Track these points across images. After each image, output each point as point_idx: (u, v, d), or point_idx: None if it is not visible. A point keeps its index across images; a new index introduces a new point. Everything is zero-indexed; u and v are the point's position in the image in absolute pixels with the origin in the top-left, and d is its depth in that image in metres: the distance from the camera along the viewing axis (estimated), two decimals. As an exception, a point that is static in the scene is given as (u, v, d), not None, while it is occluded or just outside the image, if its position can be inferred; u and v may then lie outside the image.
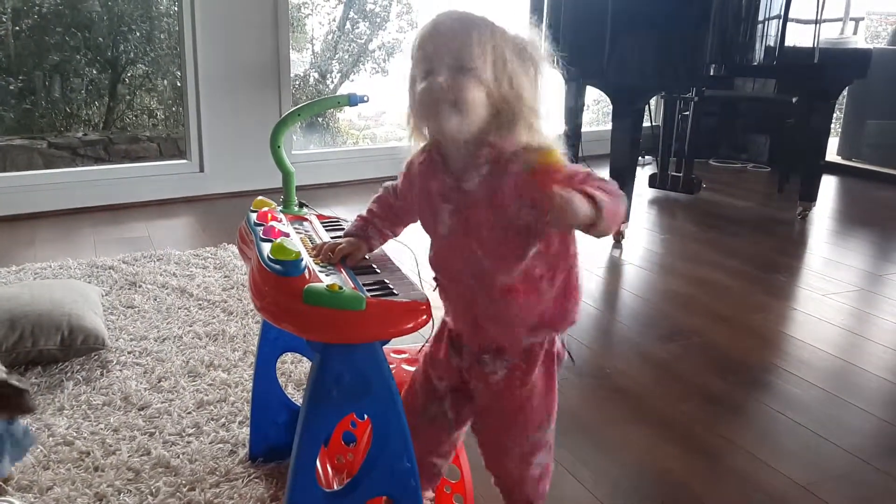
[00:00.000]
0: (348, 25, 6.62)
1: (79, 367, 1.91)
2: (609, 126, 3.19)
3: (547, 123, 1.02)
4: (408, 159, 1.11)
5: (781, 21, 3.00)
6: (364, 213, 1.18)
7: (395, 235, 1.19)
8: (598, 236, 0.93)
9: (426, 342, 1.20)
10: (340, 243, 1.13)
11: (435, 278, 1.13)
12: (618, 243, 3.13)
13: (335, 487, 1.32)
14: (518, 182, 0.97)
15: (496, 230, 1.01)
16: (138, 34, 5.21)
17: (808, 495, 1.49)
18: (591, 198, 0.89)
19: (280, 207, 1.39)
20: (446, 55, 0.97)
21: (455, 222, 1.04)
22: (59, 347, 1.90)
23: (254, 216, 1.26)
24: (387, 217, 1.17)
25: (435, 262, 1.11)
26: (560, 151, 0.98)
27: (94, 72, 5.20)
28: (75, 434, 1.61)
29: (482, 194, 1.00)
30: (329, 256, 1.11)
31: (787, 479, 1.54)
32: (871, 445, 1.71)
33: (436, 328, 1.15)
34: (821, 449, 1.67)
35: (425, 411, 1.18)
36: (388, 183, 1.17)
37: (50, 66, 4.85)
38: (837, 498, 1.49)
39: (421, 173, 1.08)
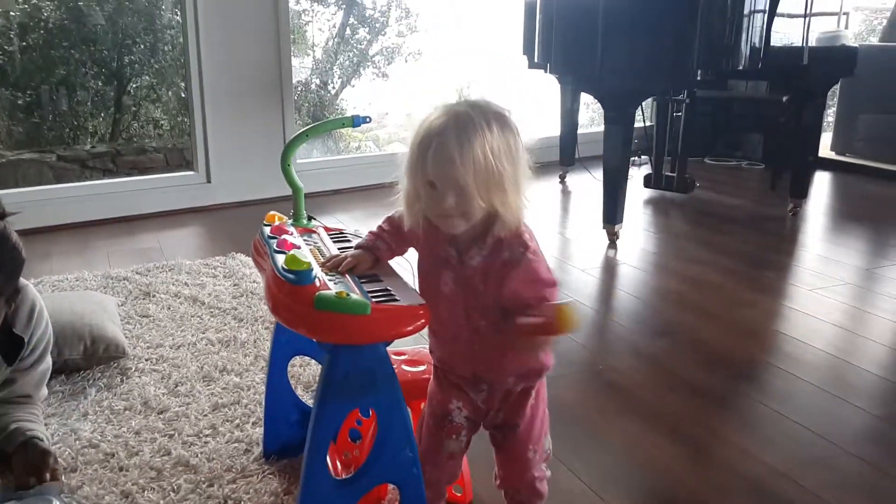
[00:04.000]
0: (348, 31, 6.71)
1: (100, 374, 2.01)
2: (604, 127, 3.29)
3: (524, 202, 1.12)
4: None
5: (765, 25, 3.10)
6: (375, 229, 1.28)
7: (402, 254, 1.28)
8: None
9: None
10: (346, 257, 1.23)
11: (431, 333, 1.25)
12: (613, 244, 3.23)
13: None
14: (503, 268, 1.12)
15: (487, 300, 1.14)
16: (142, 46, 5.31)
17: (785, 480, 1.59)
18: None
19: (290, 221, 1.49)
20: (449, 180, 1.06)
21: (456, 288, 1.15)
22: (82, 357, 2.01)
23: (267, 229, 1.37)
24: (395, 236, 1.25)
25: (434, 320, 1.18)
26: (574, 314, 1.07)
27: (100, 84, 5.30)
28: (100, 437, 1.72)
29: (481, 271, 1.13)
30: (336, 267, 1.21)
31: (766, 466, 1.64)
32: (851, 433, 1.80)
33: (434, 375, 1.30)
34: (801, 437, 1.77)
35: (444, 448, 1.27)
36: (397, 212, 1.24)
37: (57, 79, 4.96)
38: (812, 482, 1.58)
39: (425, 239, 1.18)
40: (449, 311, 1.16)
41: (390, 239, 1.26)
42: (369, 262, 1.23)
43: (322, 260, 1.24)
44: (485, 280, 1.13)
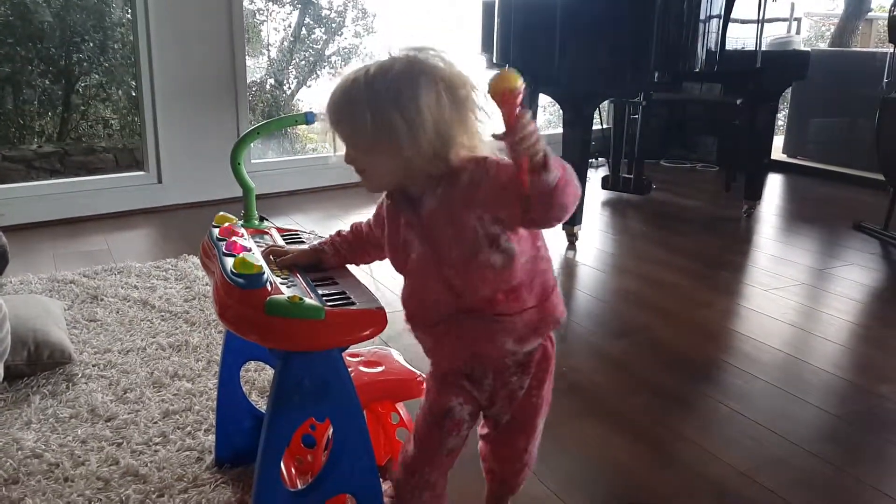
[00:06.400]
0: (304, 31, 6.64)
1: (44, 381, 1.94)
2: (563, 129, 3.29)
3: (486, 136, 1.03)
4: (379, 200, 1.16)
5: (720, 29, 3.13)
6: (334, 232, 1.25)
7: (353, 263, 1.25)
8: (548, 206, 0.95)
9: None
10: (288, 251, 1.22)
11: (408, 320, 1.16)
12: (572, 245, 3.23)
13: (300, 487, 1.38)
14: (468, 191, 1.02)
15: (462, 246, 1.04)
16: (91, 44, 5.18)
17: (746, 480, 1.60)
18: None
19: (241, 222, 1.44)
20: (342, 134, 1.06)
21: (424, 248, 1.08)
22: (26, 363, 1.93)
23: (216, 231, 1.31)
24: (352, 243, 1.23)
25: (410, 295, 1.13)
26: (516, 75, 0.91)
27: (48, 82, 5.16)
28: (44, 447, 1.64)
29: (440, 213, 1.05)
30: (275, 255, 1.21)
31: (728, 466, 1.64)
32: (808, 432, 1.81)
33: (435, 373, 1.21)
34: (760, 437, 1.78)
35: (444, 446, 1.19)
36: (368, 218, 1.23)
37: (1, 77, 4.81)
38: (773, 482, 1.59)
39: (388, 213, 1.13)
40: (423, 280, 1.09)
41: (342, 244, 1.23)
42: (309, 258, 1.22)
43: (272, 262, 1.20)
44: (450, 218, 1.04)
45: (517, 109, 0.91)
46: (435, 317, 1.11)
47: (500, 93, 0.91)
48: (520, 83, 0.90)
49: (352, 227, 1.25)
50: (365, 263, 1.25)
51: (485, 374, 1.16)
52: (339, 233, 1.25)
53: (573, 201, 0.97)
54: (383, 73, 1.01)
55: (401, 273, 1.13)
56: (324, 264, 1.22)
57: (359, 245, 1.23)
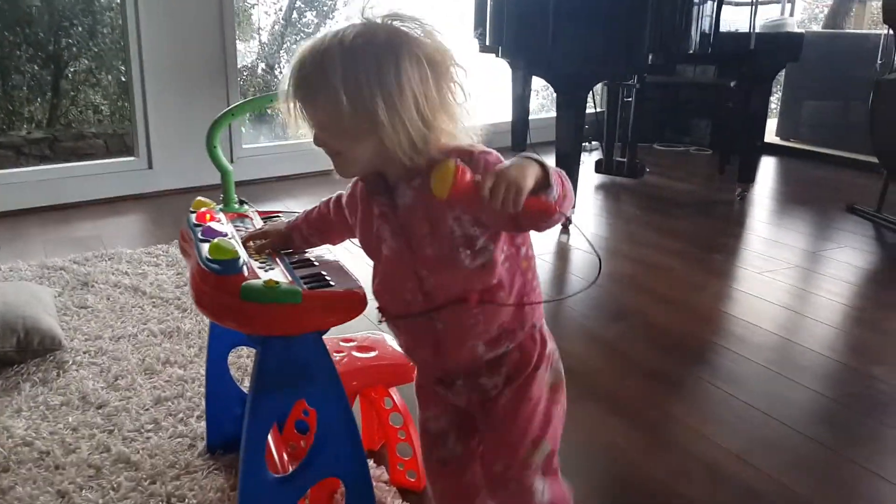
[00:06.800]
0: (295, 15, 6.59)
1: (35, 368, 1.92)
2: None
3: (466, 118, 0.97)
4: (353, 180, 1.08)
5: (715, 11, 3.11)
6: (303, 213, 1.21)
7: (322, 244, 1.20)
8: (553, 213, 0.87)
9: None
10: (268, 233, 1.21)
11: (380, 310, 1.07)
12: (565, 229, 3.22)
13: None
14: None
15: (438, 244, 0.96)
16: (80, 28, 5.13)
17: (740, 462, 1.59)
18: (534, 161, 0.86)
19: (220, 206, 1.42)
20: (312, 112, 0.95)
21: (398, 243, 0.99)
22: (16, 350, 1.92)
23: (193, 217, 1.28)
24: (317, 226, 1.18)
25: (381, 290, 1.06)
26: (451, 161, 0.84)
27: (36, 68, 5.11)
28: (34, 435, 1.63)
29: (417, 209, 0.96)
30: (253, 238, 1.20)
31: (721, 449, 1.64)
32: (802, 414, 1.81)
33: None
34: (754, 419, 1.78)
35: (431, 456, 1.13)
36: (333, 195, 1.17)
37: (-12, 63, 4.77)
38: (766, 464, 1.59)
39: (362, 197, 1.05)
40: (395, 275, 1.01)
41: (309, 229, 1.19)
42: (283, 244, 1.20)
43: (250, 247, 1.18)
44: (427, 216, 0.95)
45: (472, 186, 0.84)
46: (405, 312, 1.04)
47: (451, 192, 0.84)
48: (452, 169, 0.83)
49: (321, 207, 1.18)
50: (329, 243, 1.21)
51: (456, 374, 1.06)
52: (307, 217, 1.19)
53: (568, 209, 0.92)
54: (362, 42, 0.90)
55: (374, 261, 1.06)
56: (292, 247, 1.20)
57: (327, 230, 1.18)
